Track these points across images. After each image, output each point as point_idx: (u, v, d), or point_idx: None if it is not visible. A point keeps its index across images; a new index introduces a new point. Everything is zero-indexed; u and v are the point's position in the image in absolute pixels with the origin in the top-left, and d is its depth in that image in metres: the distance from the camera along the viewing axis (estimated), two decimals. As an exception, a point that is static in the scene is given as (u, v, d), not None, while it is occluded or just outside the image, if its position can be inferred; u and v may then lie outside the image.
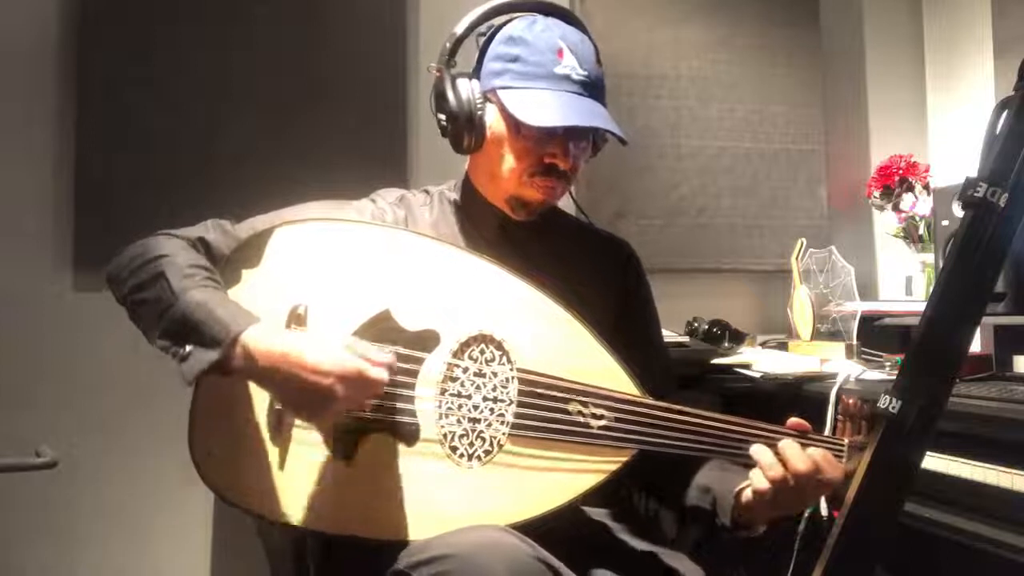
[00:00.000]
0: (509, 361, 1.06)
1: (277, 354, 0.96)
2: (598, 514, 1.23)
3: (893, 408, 0.72)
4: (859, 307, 2.06)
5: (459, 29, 1.21)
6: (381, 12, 2.24)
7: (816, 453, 1.01)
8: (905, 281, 2.52)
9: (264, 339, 0.98)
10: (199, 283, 1.03)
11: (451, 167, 1.31)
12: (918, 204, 2.36)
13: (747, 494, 1.04)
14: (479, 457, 1.04)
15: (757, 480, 1.01)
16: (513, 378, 1.05)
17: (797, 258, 2.28)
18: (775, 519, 1.07)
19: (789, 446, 1.01)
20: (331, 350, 0.96)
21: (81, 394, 1.95)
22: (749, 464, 1.03)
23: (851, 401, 1.08)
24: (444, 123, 1.20)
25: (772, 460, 1.01)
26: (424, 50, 2.24)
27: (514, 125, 1.15)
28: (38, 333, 1.94)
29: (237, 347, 0.97)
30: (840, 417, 1.08)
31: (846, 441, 1.04)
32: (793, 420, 1.05)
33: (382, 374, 0.97)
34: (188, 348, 0.98)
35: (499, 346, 1.07)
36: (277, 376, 0.97)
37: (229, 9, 2.09)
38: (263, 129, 2.09)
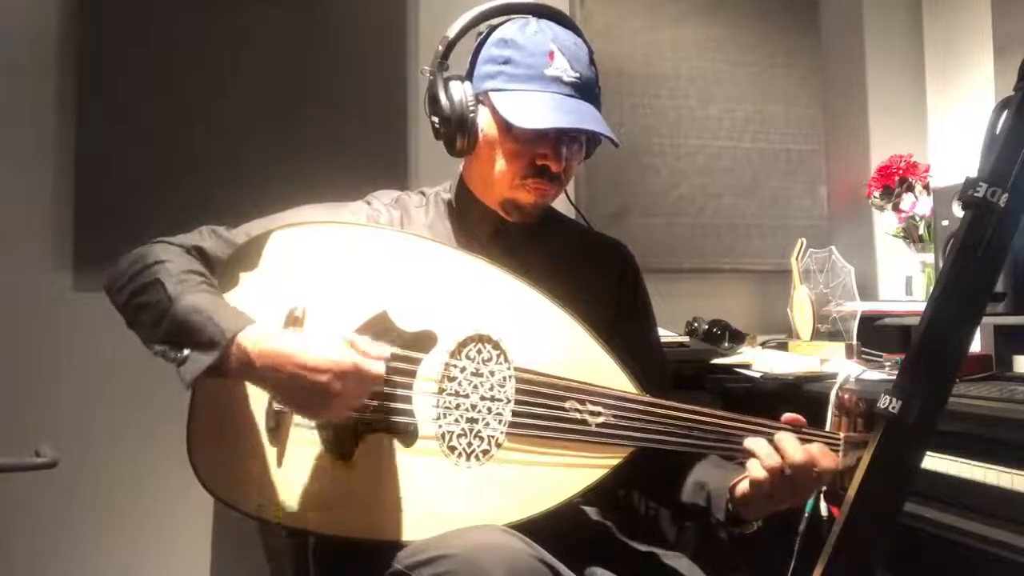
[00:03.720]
0: (506, 360, 1.06)
1: (274, 354, 0.97)
2: (597, 514, 1.23)
3: (893, 408, 0.71)
4: (859, 307, 2.06)
5: (451, 32, 1.21)
6: (381, 12, 2.24)
7: (811, 446, 1.02)
8: (905, 281, 2.52)
9: (261, 340, 0.98)
10: (194, 287, 1.04)
11: (451, 168, 1.31)
12: (918, 204, 2.36)
13: (742, 486, 1.04)
14: (477, 457, 1.04)
15: (754, 470, 1.02)
16: (510, 377, 1.05)
17: (797, 258, 2.28)
18: (770, 515, 1.08)
19: (785, 437, 1.02)
20: (327, 347, 0.97)
21: (81, 394, 1.95)
22: (746, 460, 1.04)
23: (847, 396, 1.08)
24: (437, 126, 1.20)
25: (769, 450, 1.01)
26: (424, 50, 2.24)
27: (505, 127, 1.15)
28: (38, 333, 1.94)
29: (234, 348, 0.98)
30: (836, 412, 1.09)
31: (842, 435, 1.05)
32: (788, 415, 1.06)
33: (379, 368, 0.99)
34: (186, 352, 0.99)
35: (496, 345, 1.07)
36: (275, 376, 0.97)
37: (230, 9, 2.09)
38: (263, 129, 2.09)
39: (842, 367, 1.80)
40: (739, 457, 1.05)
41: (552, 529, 1.02)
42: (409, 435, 1.05)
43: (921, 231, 2.38)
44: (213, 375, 0.99)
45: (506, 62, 1.16)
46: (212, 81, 2.07)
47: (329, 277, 1.10)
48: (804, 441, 1.03)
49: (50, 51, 1.98)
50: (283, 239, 1.11)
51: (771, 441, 1.02)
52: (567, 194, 1.30)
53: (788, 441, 1.02)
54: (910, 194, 2.39)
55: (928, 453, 0.96)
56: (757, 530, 1.10)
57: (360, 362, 0.97)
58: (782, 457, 1.01)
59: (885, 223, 2.54)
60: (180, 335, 1.00)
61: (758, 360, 1.99)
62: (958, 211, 1.05)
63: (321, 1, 2.17)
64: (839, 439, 1.04)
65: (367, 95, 2.20)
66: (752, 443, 1.03)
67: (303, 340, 0.99)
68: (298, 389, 0.97)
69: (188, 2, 2.07)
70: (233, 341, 0.98)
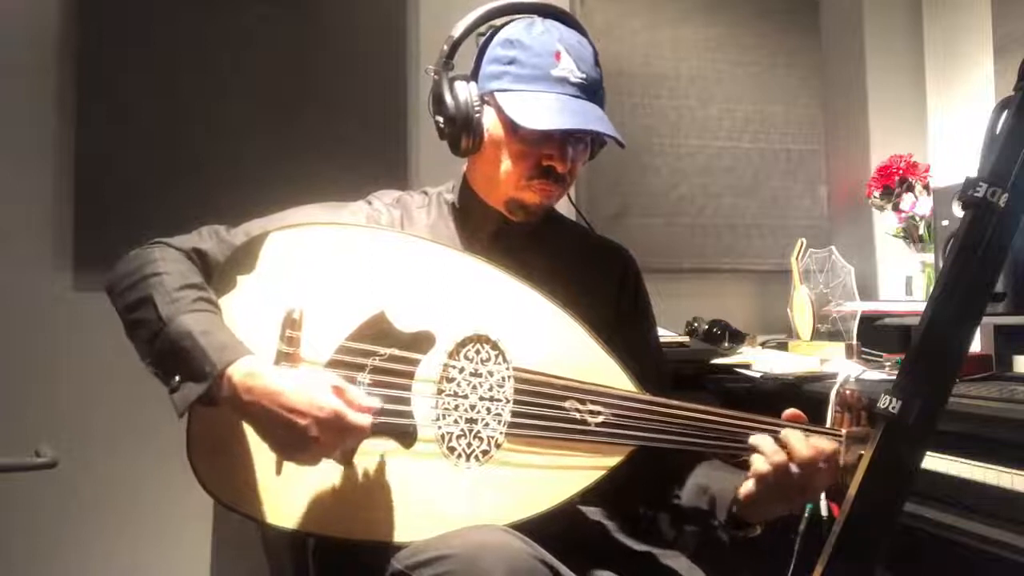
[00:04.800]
0: (505, 360, 1.06)
1: (260, 391, 0.96)
2: (597, 514, 1.23)
3: (893, 408, 0.71)
4: (859, 307, 2.06)
5: (456, 32, 1.20)
6: (381, 12, 2.24)
7: (817, 441, 1.02)
8: (905, 281, 2.52)
9: (250, 376, 0.97)
10: (188, 307, 1.02)
11: (452, 168, 1.31)
12: (918, 204, 2.36)
13: (747, 486, 1.04)
14: (477, 457, 1.03)
15: (758, 464, 1.01)
16: (509, 377, 1.05)
17: (797, 258, 2.28)
18: (772, 519, 1.07)
19: (791, 434, 1.02)
20: (312, 391, 0.95)
21: (81, 394, 1.95)
22: (748, 461, 1.03)
23: (848, 392, 1.08)
24: (442, 126, 1.20)
25: (774, 447, 1.01)
26: (424, 50, 2.24)
27: (511, 128, 1.15)
28: (38, 333, 1.94)
29: (224, 381, 0.97)
30: (838, 408, 1.08)
31: (844, 431, 1.04)
32: (790, 411, 1.06)
33: (363, 420, 0.96)
34: (177, 379, 0.99)
35: (495, 346, 1.06)
36: (258, 413, 0.96)
37: (230, 9, 2.10)
38: (263, 129, 2.09)
39: (842, 367, 1.80)
40: (742, 455, 1.04)
41: (552, 529, 1.02)
42: (408, 437, 1.05)
43: (921, 231, 2.38)
44: (203, 404, 0.99)
45: (512, 62, 1.16)
46: (212, 81, 2.07)
47: (326, 278, 1.09)
48: (810, 436, 1.02)
49: (50, 51, 1.98)
50: (281, 240, 1.11)
51: (776, 438, 1.02)
52: (568, 196, 1.29)
53: (794, 436, 1.01)
54: (910, 194, 2.39)
55: (928, 453, 0.96)
56: (758, 533, 1.10)
57: (343, 412, 0.95)
58: (788, 454, 1.00)
59: (885, 223, 2.54)
60: (171, 361, 1.00)
61: (758, 360, 1.98)
62: (958, 211, 1.05)
63: (321, 1, 2.17)
64: (840, 435, 1.04)
65: (367, 95, 2.20)
66: (757, 439, 1.02)
67: (291, 380, 0.97)
68: (277, 429, 0.95)
69: (188, 2, 2.07)
70: (223, 374, 0.97)
